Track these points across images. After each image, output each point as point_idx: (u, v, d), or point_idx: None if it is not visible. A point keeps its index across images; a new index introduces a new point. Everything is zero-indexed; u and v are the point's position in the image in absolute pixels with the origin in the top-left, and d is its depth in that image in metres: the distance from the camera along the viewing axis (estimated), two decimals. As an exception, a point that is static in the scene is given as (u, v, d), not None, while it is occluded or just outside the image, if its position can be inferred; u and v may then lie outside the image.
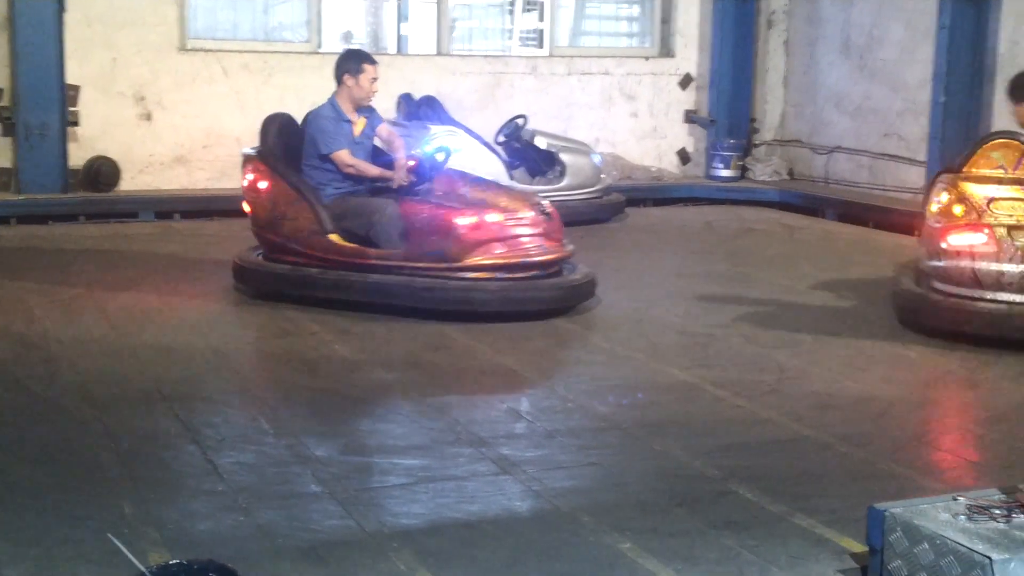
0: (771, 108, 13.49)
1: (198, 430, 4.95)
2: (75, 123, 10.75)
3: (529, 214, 7.19)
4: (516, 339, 6.59)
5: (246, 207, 7.63)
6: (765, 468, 4.64)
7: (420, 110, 10.66)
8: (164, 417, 5.13)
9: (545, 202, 7.48)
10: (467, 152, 10.38)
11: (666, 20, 13.24)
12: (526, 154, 10.98)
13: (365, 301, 6.98)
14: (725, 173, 12.93)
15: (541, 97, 12.47)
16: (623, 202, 11.46)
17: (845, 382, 5.85)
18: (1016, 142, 6.78)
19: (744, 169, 13.10)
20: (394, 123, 10.67)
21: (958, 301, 6.53)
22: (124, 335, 6.56)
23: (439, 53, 12.53)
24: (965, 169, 6.83)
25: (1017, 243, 6.40)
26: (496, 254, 6.94)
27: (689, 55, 13.23)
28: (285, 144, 7.58)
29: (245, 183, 7.62)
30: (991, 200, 6.58)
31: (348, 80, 7.45)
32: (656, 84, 13.12)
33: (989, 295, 6.43)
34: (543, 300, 7.03)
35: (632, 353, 6.41)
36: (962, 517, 3.48)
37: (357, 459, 4.67)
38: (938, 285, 6.67)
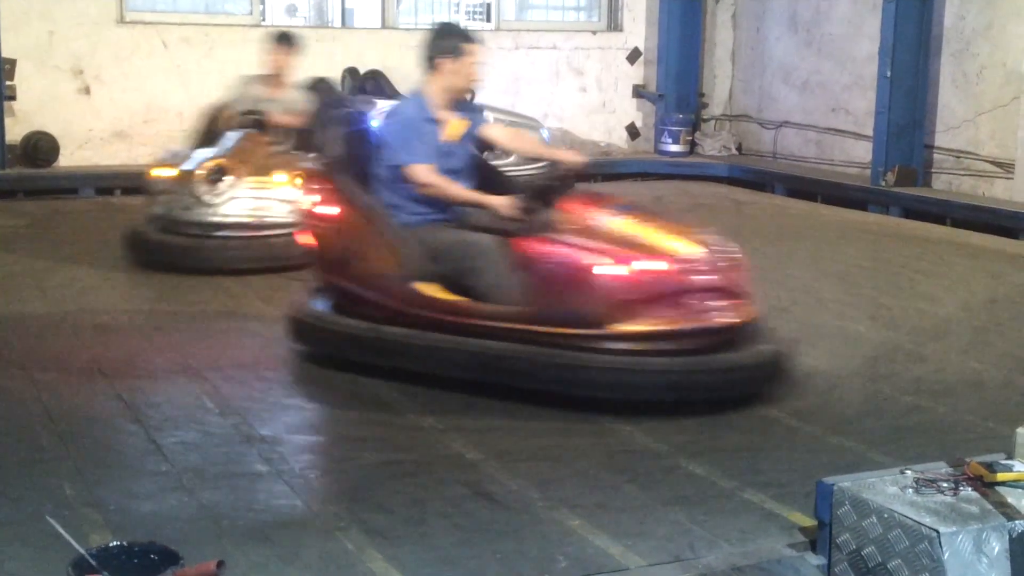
0: (719, 83, 13.51)
1: (140, 409, 4.87)
2: (12, 97, 10.55)
3: (702, 256, 5.08)
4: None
5: (307, 240, 5.70)
6: (714, 443, 4.64)
7: (366, 84, 10.55)
8: (105, 396, 5.04)
9: (717, 237, 5.28)
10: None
11: (614, -6, 13.21)
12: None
13: (465, 377, 5.12)
14: (674, 148, 12.95)
15: (488, 71, 12.37)
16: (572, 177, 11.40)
17: (793, 357, 5.85)
18: None
19: (693, 144, 13.12)
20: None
21: None
22: (63, 312, 6.45)
23: (384, 26, 12.40)
24: None
25: None
26: (661, 318, 4.95)
27: (637, 29, 13.21)
28: (356, 152, 5.69)
29: (306, 207, 5.73)
30: None
31: (445, 65, 5.52)
32: (604, 59, 13.09)
33: None
34: (722, 385, 5.01)
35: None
36: (910, 490, 3.48)
37: (304, 438, 4.61)
38: None
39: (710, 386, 4.97)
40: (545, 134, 11.20)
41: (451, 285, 5.18)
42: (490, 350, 5.00)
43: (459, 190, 5.38)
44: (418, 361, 5.15)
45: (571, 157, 5.63)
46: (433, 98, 5.52)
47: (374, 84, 10.56)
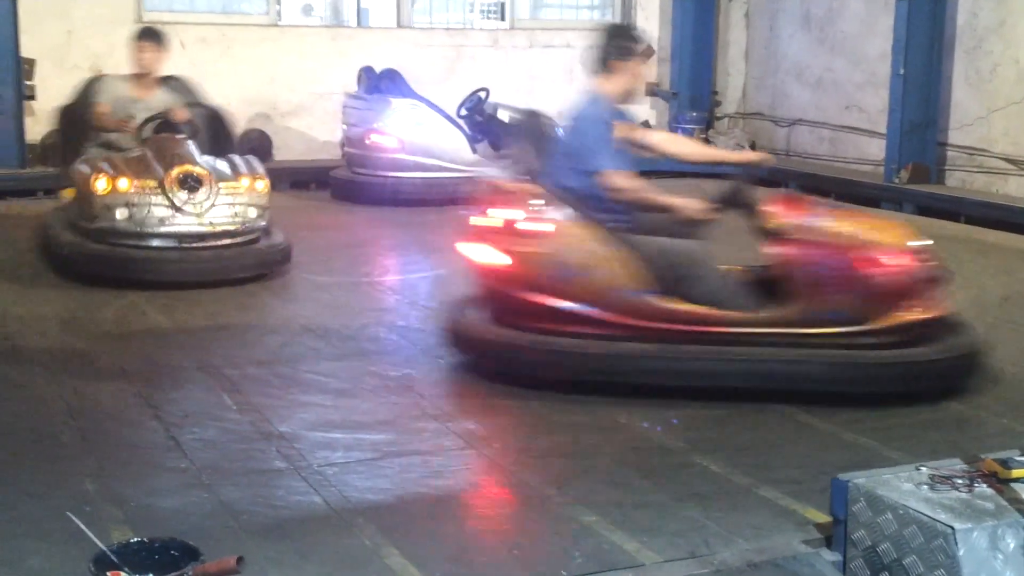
0: (733, 81, 13.50)
1: (160, 406, 4.91)
2: (31, 97, 10.60)
3: (924, 248, 5.27)
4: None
5: (500, 258, 5.24)
6: (729, 440, 4.66)
7: (382, 83, 10.58)
8: (126, 393, 5.08)
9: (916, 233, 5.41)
10: (430, 126, 10.33)
11: (627, -8, 13.22)
12: (489, 128, 10.91)
13: (716, 386, 5.06)
14: (688, 146, 12.93)
15: (503, 70, 12.41)
16: (587, 175, 11.41)
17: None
18: None
19: (706, 142, 13.11)
20: (356, 96, 10.62)
21: None
22: (84, 311, 6.49)
23: (400, 26, 12.44)
24: None
25: None
26: (915, 309, 5.13)
27: (651, 28, 13.20)
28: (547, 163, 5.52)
29: (500, 221, 5.26)
30: None
31: (621, 66, 5.38)
32: (618, 57, 13.08)
33: None
34: (958, 373, 5.24)
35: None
36: (925, 487, 3.50)
37: (322, 435, 4.65)
38: None
39: (954, 374, 5.19)
40: (560, 132, 11.18)
41: (667, 294, 5.10)
42: (757, 356, 4.99)
43: (655, 194, 5.27)
44: (665, 376, 5.03)
45: (755, 157, 5.57)
46: (609, 101, 5.42)
47: (390, 83, 10.59)
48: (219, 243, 7.23)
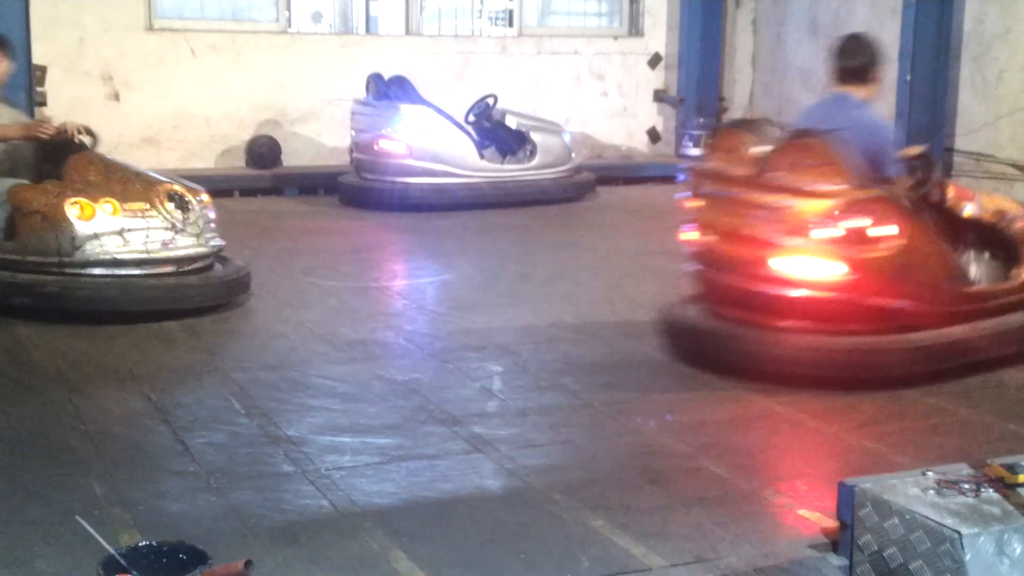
0: (740, 87, 13.51)
1: (169, 410, 4.93)
2: (43, 103, 10.64)
3: None
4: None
5: (840, 269, 5.27)
6: (736, 444, 4.67)
7: (391, 90, 10.61)
8: (135, 397, 5.10)
9: None
10: (438, 132, 10.36)
11: (635, 0, 13.23)
12: (496, 134, 10.95)
13: None
14: (695, 152, 12.92)
15: (511, 77, 12.44)
16: (594, 181, 11.45)
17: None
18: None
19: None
20: (364, 103, 10.66)
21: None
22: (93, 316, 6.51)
23: (408, 33, 12.47)
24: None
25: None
26: None
27: (658, 34, 13.23)
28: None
29: (842, 231, 5.22)
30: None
31: (877, 74, 5.71)
32: (625, 63, 13.11)
33: None
34: None
35: (602, 330, 6.41)
36: (931, 492, 3.50)
37: (329, 439, 4.66)
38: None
39: None
40: (567, 138, 11.23)
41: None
42: None
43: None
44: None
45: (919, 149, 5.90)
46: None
47: (399, 89, 10.61)
48: (206, 264, 6.75)
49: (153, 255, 6.48)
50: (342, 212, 10.48)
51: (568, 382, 5.45)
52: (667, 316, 5.98)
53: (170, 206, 6.56)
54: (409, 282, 8.08)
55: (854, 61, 5.64)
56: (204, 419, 4.85)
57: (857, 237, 5.23)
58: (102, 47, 10.94)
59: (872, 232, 5.25)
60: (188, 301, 6.53)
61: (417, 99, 10.59)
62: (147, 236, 6.46)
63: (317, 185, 11.40)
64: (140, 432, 4.71)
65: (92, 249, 6.36)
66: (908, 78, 10.67)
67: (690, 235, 5.83)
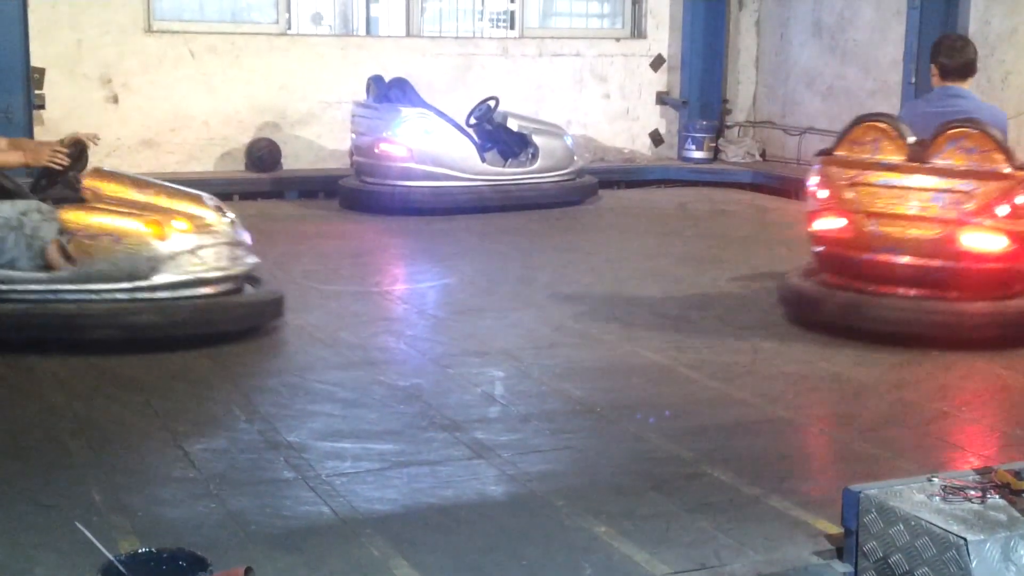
0: (743, 89, 13.48)
1: (169, 416, 4.90)
2: (41, 106, 10.64)
3: None
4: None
5: (1004, 242, 6.03)
6: (740, 450, 4.64)
7: (391, 92, 10.58)
8: (134, 403, 5.07)
9: None
10: (439, 135, 10.33)
11: (637, 1, 13.21)
12: (497, 136, 10.93)
13: None
14: (698, 155, 12.93)
15: (512, 79, 12.42)
16: (596, 184, 11.42)
17: (819, 363, 5.85)
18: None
19: (717, 150, 13.10)
20: (365, 105, 10.64)
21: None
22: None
23: (409, 35, 12.45)
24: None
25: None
26: None
27: (661, 36, 13.20)
28: None
29: (1009, 209, 6.00)
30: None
31: (976, 70, 6.59)
32: (628, 65, 13.09)
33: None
34: None
35: (605, 335, 6.39)
36: (937, 498, 3.48)
37: (330, 444, 4.63)
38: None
39: None
40: (569, 141, 11.20)
41: None
42: None
43: None
44: None
45: None
46: None
47: (399, 92, 10.59)
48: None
49: (227, 271, 6.12)
50: (343, 216, 10.46)
51: (570, 387, 5.43)
52: (812, 288, 6.45)
53: (226, 218, 6.19)
54: (410, 286, 8.06)
55: (962, 58, 6.38)
56: (204, 425, 4.82)
57: (1019, 212, 5.98)
58: (101, 49, 10.92)
59: None
60: (262, 317, 6.25)
61: (418, 101, 10.57)
62: (216, 252, 6.05)
63: (317, 188, 11.38)
64: (139, 438, 4.69)
65: (177, 267, 5.91)
66: (913, 80, 10.64)
67: (827, 220, 6.34)
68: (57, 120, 10.76)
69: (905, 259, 6.09)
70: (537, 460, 4.51)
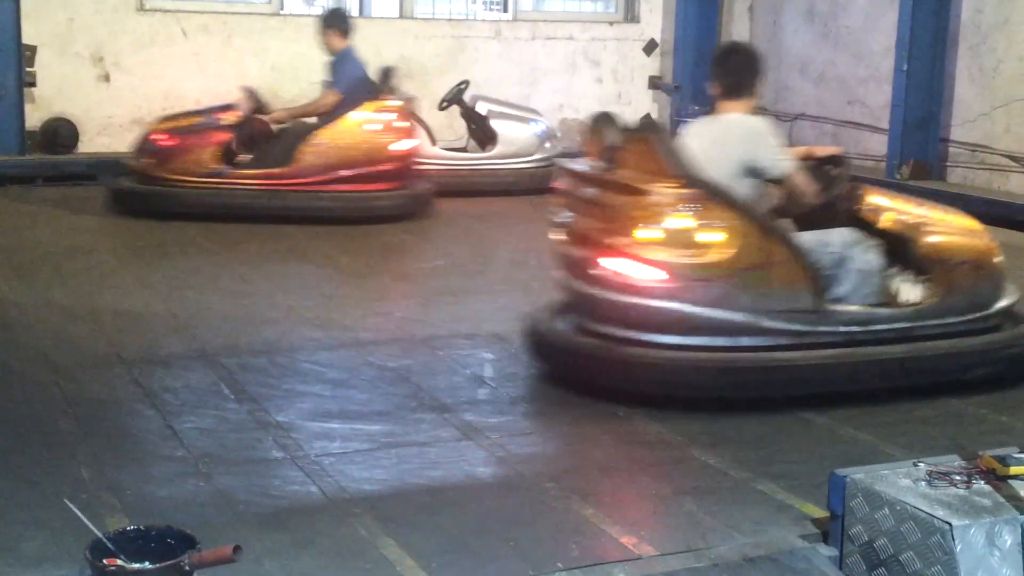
0: (735, 75, 13.45)
1: (157, 395, 4.90)
2: (32, 84, 10.58)
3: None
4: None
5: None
6: (727, 434, 4.65)
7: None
8: (123, 381, 5.07)
9: None
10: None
11: (631, -15, 13.19)
12: (472, 120, 10.70)
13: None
14: (689, 139, 12.90)
15: (505, 62, 12.39)
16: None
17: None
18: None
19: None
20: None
21: None
22: (82, 299, 6.48)
23: (402, 16, 12.40)
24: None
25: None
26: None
27: (654, 21, 13.17)
28: None
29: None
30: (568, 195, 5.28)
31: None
32: (621, 50, 13.06)
33: None
34: None
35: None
36: (923, 483, 3.50)
37: (319, 425, 4.64)
38: None
39: None
40: (538, 129, 10.75)
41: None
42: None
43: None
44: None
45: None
46: None
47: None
48: None
49: None
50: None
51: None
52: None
53: None
54: (400, 268, 8.05)
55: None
56: (192, 404, 4.82)
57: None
58: (93, 28, 10.87)
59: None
60: None
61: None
62: None
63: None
64: (128, 416, 4.69)
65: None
66: (905, 68, 10.63)
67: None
68: (49, 99, 10.72)
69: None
70: (526, 442, 4.52)
